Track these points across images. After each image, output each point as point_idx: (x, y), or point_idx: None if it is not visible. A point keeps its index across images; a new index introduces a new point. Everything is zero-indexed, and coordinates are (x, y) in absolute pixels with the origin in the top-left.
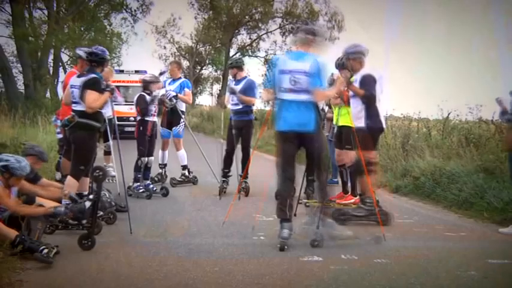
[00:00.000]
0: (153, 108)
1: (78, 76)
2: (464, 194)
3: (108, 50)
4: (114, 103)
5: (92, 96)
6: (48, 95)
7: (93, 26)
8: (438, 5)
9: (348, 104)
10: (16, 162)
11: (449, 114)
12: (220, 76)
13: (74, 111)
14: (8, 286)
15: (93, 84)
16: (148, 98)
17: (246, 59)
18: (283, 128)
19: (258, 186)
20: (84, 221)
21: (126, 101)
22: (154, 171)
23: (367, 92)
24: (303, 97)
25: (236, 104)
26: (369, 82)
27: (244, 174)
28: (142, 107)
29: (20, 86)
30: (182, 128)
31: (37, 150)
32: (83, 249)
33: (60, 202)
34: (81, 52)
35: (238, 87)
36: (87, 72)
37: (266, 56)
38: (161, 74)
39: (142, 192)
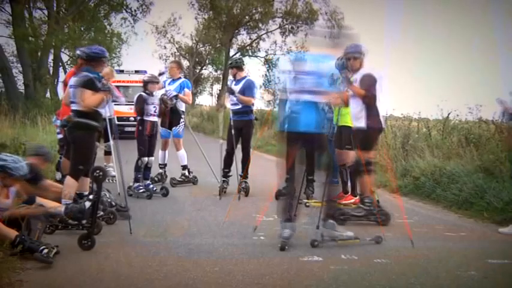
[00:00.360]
0: (153, 108)
1: (75, 75)
2: (464, 194)
3: (108, 50)
4: (115, 103)
5: (85, 94)
6: (48, 95)
7: (93, 26)
8: (438, 5)
9: (347, 104)
10: (13, 163)
11: (449, 114)
12: (220, 76)
13: (72, 110)
14: (8, 286)
15: (87, 83)
16: (144, 97)
17: (246, 59)
18: (287, 128)
19: (258, 186)
20: (84, 221)
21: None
22: (155, 171)
23: (368, 92)
24: (307, 97)
25: (236, 104)
26: (369, 82)
27: (244, 174)
28: (138, 107)
29: (20, 86)
30: (182, 128)
31: (44, 151)
32: (82, 249)
33: (60, 202)
34: (79, 52)
35: (238, 88)
36: (83, 71)
37: (266, 56)
38: (160, 74)
39: (143, 192)
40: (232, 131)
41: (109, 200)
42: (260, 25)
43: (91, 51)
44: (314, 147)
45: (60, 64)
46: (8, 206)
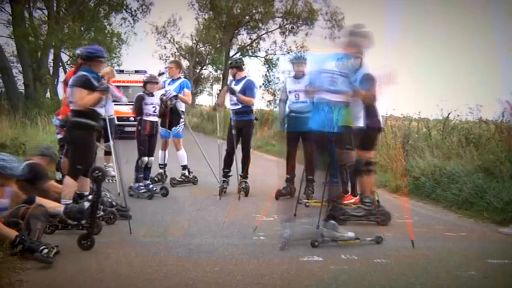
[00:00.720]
0: (152, 108)
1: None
2: (464, 194)
3: (108, 50)
4: (115, 103)
5: (78, 93)
6: (48, 95)
7: (93, 26)
8: (438, 5)
9: (348, 105)
10: (8, 162)
11: (449, 114)
12: (220, 76)
13: (70, 110)
14: (8, 286)
15: (83, 82)
16: (143, 96)
17: (246, 59)
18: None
19: (258, 186)
20: (83, 221)
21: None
22: (155, 171)
23: (368, 93)
24: (319, 97)
25: (236, 104)
26: (368, 82)
27: (244, 174)
28: (136, 106)
29: (20, 86)
30: (182, 128)
31: (50, 152)
32: (82, 249)
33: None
34: (79, 51)
35: (238, 88)
36: (82, 71)
37: (266, 56)
38: (160, 74)
39: (144, 192)
40: (233, 131)
41: (109, 200)
42: (260, 25)
43: (86, 51)
44: (315, 146)
45: (60, 64)
46: (5, 205)
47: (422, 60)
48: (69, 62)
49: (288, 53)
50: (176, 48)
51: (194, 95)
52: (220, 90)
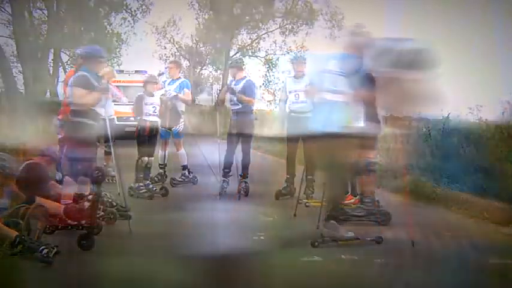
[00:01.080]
0: (152, 108)
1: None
2: (464, 194)
3: (108, 50)
4: (115, 103)
5: (78, 93)
6: (48, 95)
7: (93, 26)
8: (438, 5)
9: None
10: (7, 162)
11: (449, 114)
12: (220, 76)
13: (70, 110)
14: (8, 286)
15: (80, 82)
16: (142, 97)
17: (246, 59)
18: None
19: (258, 186)
20: (83, 221)
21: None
22: (155, 171)
23: (368, 93)
24: (322, 97)
25: (236, 104)
26: (369, 82)
27: (244, 174)
28: (135, 106)
29: (20, 86)
30: (182, 128)
31: (51, 152)
32: (82, 249)
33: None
34: (78, 51)
35: (238, 88)
36: (81, 70)
37: (266, 56)
38: (160, 74)
39: (144, 192)
40: (233, 131)
41: (109, 200)
42: (260, 25)
43: (86, 51)
44: (315, 147)
45: (60, 64)
46: (5, 205)
47: None
48: (69, 62)
49: (288, 53)
50: (176, 48)
51: (193, 95)
52: (220, 90)
